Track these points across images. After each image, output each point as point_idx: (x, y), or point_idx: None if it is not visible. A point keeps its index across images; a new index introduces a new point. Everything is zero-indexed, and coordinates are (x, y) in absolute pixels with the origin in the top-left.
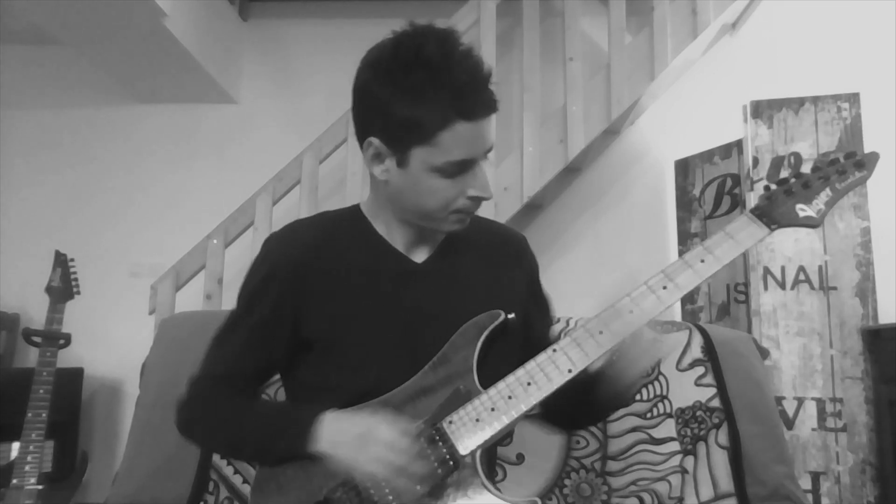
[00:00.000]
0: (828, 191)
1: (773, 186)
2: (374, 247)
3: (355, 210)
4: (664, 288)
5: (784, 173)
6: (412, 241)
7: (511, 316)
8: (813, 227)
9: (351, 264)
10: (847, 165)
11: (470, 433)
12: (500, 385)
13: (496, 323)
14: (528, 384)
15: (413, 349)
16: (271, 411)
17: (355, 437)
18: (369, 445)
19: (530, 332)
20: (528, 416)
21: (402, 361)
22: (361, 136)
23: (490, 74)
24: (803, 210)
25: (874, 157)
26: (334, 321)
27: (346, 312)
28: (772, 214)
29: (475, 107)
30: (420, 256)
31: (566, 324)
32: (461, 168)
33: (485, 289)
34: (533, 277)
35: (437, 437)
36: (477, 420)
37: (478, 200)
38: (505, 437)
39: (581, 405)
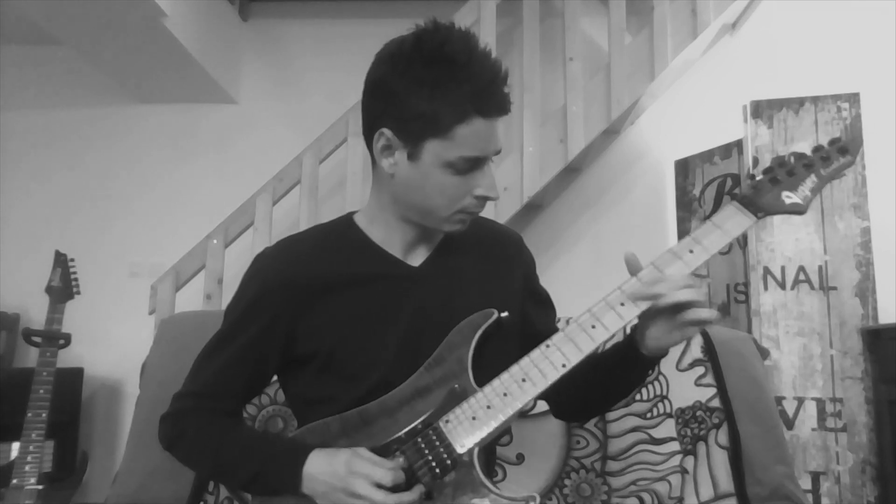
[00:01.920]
0: (813, 177)
1: (759, 176)
2: (369, 255)
3: (347, 220)
4: None
5: None
6: (410, 243)
7: (504, 314)
8: (799, 213)
9: (346, 275)
10: (831, 151)
11: (466, 432)
12: (495, 383)
13: (489, 321)
14: (523, 380)
15: (413, 353)
16: (257, 445)
17: (335, 490)
18: (349, 501)
19: (533, 329)
20: (527, 415)
21: (402, 366)
22: (372, 128)
23: (507, 75)
24: (789, 197)
25: (857, 142)
26: (333, 334)
27: (345, 324)
28: (758, 202)
29: (493, 105)
30: (417, 260)
31: (566, 324)
32: (472, 165)
33: (482, 290)
34: (530, 275)
35: (434, 438)
36: (473, 418)
37: (483, 201)
38: (503, 435)
39: (596, 387)
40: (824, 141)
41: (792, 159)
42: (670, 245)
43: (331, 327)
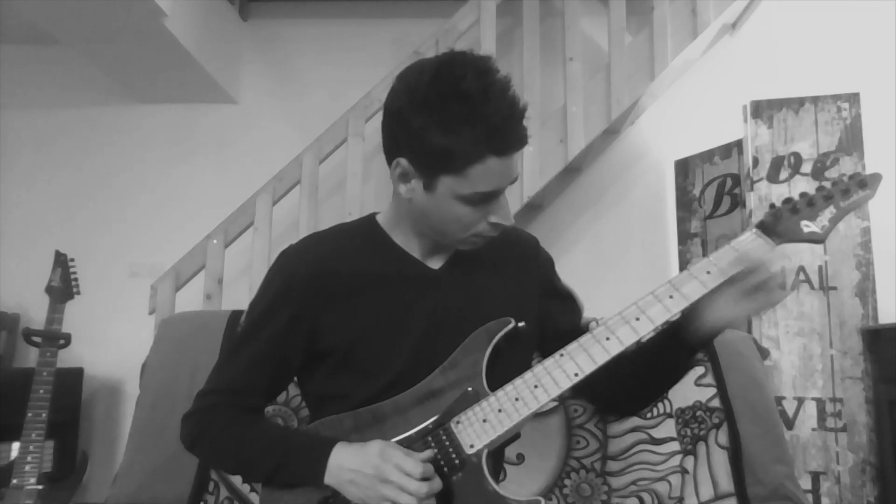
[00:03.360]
0: (832, 208)
1: (779, 205)
2: (391, 255)
3: (371, 220)
4: (670, 297)
5: (784, 173)
6: (429, 249)
7: (521, 324)
8: (817, 242)
9: (368, 274)
10: (851, 185)
11: (477, 433)
12: (508, 387)
13: (506, 330)
14: (535, 387)
15: (429, 355)
16: (280, 438)
17: (365, 477)
18: (381, 487)
19: (555, 327)
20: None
21: (417, 367)
22: (390, 154)
23: (525, 110)
24: (808, 226)
25: (877, 177)
26: (352, 331)
27: (365, 322)
28: (777, 230)
29: (508, 143)
30: (436, 263)
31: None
32: (486, 198)
33: (500, 295)
34: (548, 275)
35: (445, 437)
36: (484, 420)
37: (498, 227)
38: (513, 440)
39: (644, 374)
40: (824, 141)
41: (812, 191)
42: (670, 245)
43: (350, 325)
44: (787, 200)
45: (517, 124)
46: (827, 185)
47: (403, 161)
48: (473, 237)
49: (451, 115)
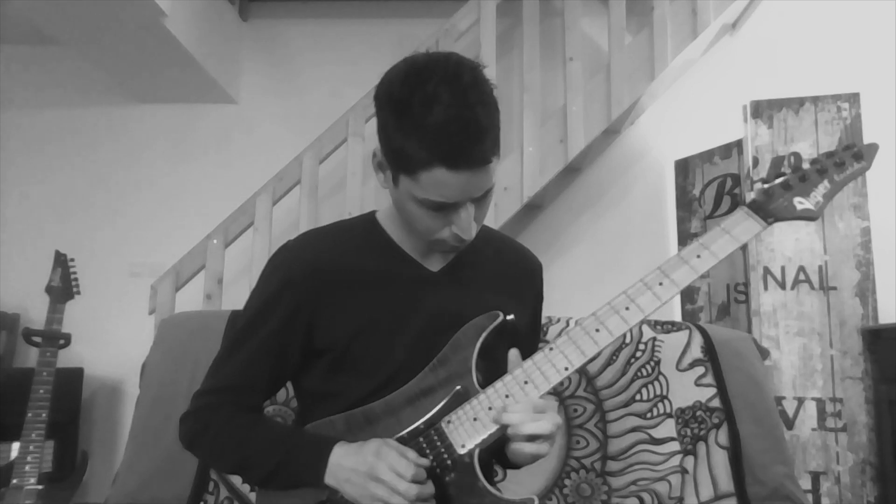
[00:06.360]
0: (826, 183)
1: (771, 181)
2: (390, 254)
3: (370, 218)
4: (660, 284)
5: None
6: (426, 248)
7: (510, 317)
8: (811, 219)
9: (366, 272)
10: (845, 157)
11: (468, 432)
12: (498, 384)
13: (495, 324)
14: (525, 383)
15: (425, 356)
16: (280, 438)
17: (359, 476)
18: (373, 486)
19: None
20: None
21: (413, 368)
22: (378, 142)
23: (487, 130)
24: (801, 203)
25: (873, 148)
26: (350, 329)
27: (362, 320)
28: (769, 208)
29: (459, 159)
30: (436, 265)
31: (566, 324)
32: (440, 207)
33: (497, 300)
34: (539, 304)
35: (436, 438)
36: (475, 419)
37: (462, 240)
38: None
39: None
40: (824, 141)
41: (804, 164)
42: (670, 245)
43: (348, 323)
44: (780, 175)
45: (470, 141)
46: (821, 158)
47: (378, 152)
48: (439, 244)
49: (409, 116)
